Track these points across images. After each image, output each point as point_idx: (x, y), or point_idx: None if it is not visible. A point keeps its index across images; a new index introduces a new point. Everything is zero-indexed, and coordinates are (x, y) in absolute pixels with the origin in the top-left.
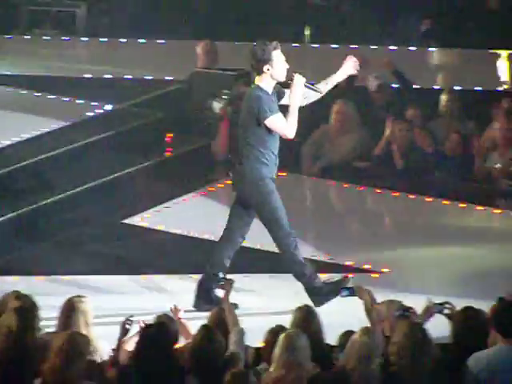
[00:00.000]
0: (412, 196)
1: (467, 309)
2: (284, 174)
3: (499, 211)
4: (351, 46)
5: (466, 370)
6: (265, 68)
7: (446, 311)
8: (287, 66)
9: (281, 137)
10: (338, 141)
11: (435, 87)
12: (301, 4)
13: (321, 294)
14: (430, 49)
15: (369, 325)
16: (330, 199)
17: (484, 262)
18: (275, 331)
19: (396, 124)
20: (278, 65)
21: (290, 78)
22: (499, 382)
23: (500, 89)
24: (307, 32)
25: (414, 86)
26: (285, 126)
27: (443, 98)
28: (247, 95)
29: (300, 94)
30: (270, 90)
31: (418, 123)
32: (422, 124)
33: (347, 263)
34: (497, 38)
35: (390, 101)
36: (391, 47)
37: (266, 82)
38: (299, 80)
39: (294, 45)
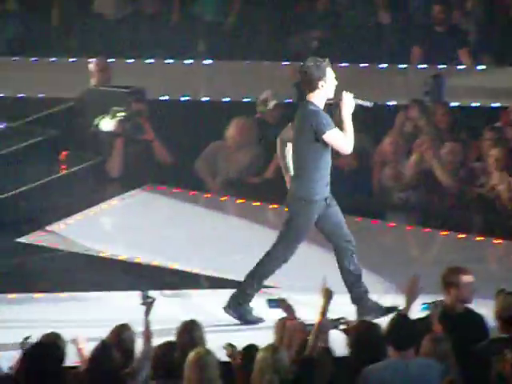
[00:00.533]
0: None
1: (361, 322)
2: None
3: (392, 225)
4: (245, 62)
5: (359, 382)
6: (320, 84)
7: (342, 326)
8: (336, 83)
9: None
10: (234, 156)
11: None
12: (192, 20)
13: (246, 319)
14: None
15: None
16: (227, 216)
17: (374, 277)
18: (162, 346)
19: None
20: (329, 81)
21: (338, 97)
22: None
23: (393, 103)
24: (199, 48)
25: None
26: (344, 141)
27: (336, 112)
28: (301, 111)
29: (351, 110)
30: (321, 107)
31: None
32: None
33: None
34: (387, 52)
35: (282, 120)
36: (284, 63)
37: (318, 98)
38: (349, 96)
39: (186, 62)
